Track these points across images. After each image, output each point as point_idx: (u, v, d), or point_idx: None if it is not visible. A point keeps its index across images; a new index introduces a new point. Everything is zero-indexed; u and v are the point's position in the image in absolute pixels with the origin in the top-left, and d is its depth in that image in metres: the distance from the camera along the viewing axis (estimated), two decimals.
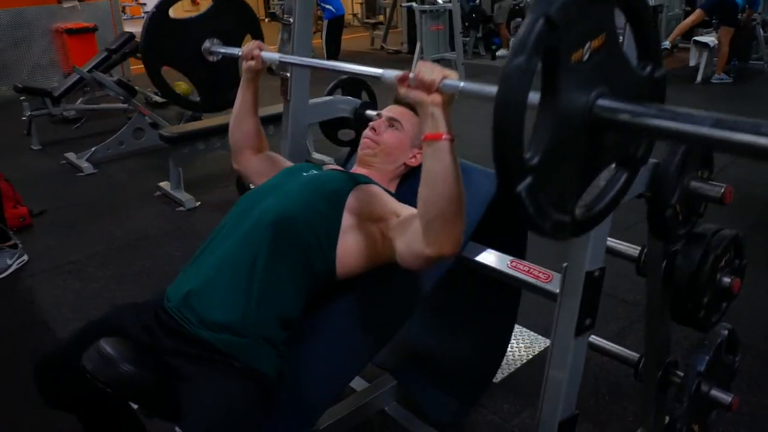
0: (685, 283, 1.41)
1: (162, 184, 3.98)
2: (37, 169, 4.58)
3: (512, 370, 2.11)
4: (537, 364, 2.16)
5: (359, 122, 2.10)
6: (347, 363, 1.34)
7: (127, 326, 1.29)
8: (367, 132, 1.55)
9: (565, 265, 1.25)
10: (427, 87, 1.07)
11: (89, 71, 5.09)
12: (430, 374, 1.69)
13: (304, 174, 1.47)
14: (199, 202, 3.76)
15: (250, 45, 1.59)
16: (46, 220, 3.60)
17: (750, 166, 3.60)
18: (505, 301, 1.68)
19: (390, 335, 1.38)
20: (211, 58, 1.86)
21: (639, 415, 1.82)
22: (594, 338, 1.85)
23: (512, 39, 8.59)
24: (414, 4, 7.05)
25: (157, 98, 5.94)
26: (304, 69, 1.90)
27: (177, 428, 1.25)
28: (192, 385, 1.16)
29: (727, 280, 1.43)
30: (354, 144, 2.17)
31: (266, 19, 10.52)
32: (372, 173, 1.51)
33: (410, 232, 1.21)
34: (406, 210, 1.33)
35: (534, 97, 0.76)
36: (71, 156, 4.66)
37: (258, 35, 1.93)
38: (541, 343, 2.27)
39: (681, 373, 1.69)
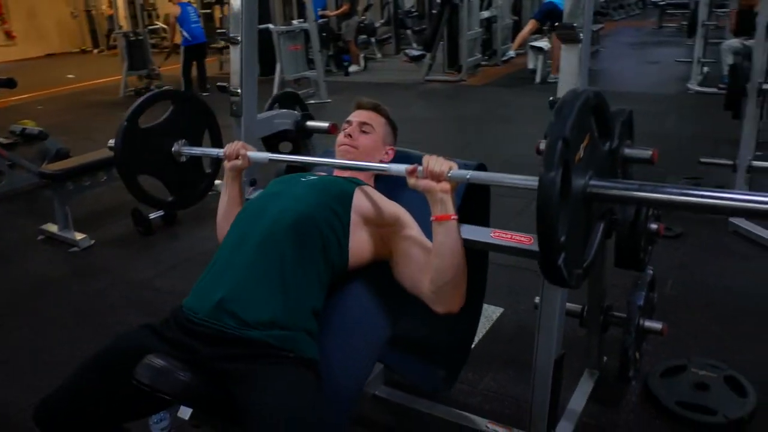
0: (627, 232, 1.70)
1: (45, 226, 3.72)
2: None
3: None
4: (492, 335, 2.40)
5: (301, 133, 2.22)
6: (370, 344, 1.45)
7: (150, 346, 1.31)
8: (342, 138, 1.67)
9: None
10: (436, 177, 1.29)
11: None
12: (414, 351, 1.83)
13: (303, 180, 1.56)
14: (94, 240, 3.58)
15: (233, 145, 1.67)
16: None
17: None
18: (473, 272, 1.88)
19: (399, 312, 1.51)
20: (181, 159, 1.93)
21: (583, 360, 2.10)
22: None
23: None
24: (271, 26, 7.15)
25: (2, 139, 5.46)
26: (252, 90, 2.00)
27: None
28: (252, 382, 1.21)
29: (654, 226, 1.75)
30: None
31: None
32: (354, 174, 1.64)
33: (414, 272, 1.41)
34: (405, 216, 1.48)
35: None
36: None
37: (216, 129, 2.05)
38: (492, 314, 2.51)
39: (619, 314, 2.01)
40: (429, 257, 1.39)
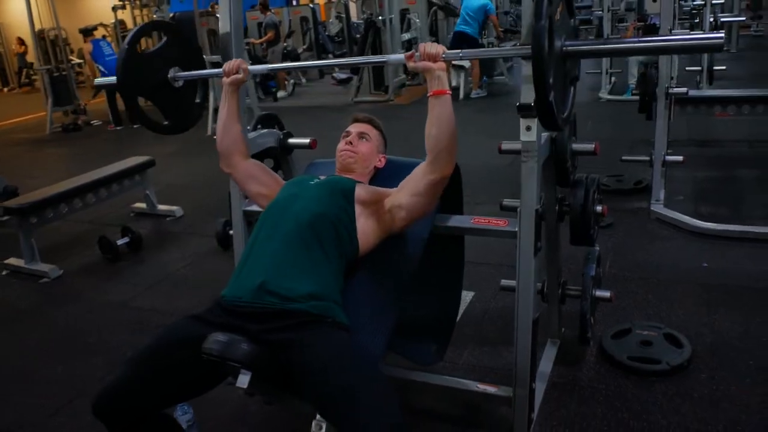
0: (578, 213, 2.04)
1: (8, 261, 3.75)
2: None
3: None
4: (465, 317, 2.68)
5: (283, 150, 2.45)
6: (384, 316, 1.71)
7: (201, 332, 1.51)
8: (344, 146, 1.93)
9: (519, 209, 1.79)
10: (433, 57, 1.57)
11: None
12: (409, 332, 2.09)
13: (311, 183, 1.82)
14: (62, 270, 3.63)
15: (232, 62, 1.88)
16: None
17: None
18: (453, 256, 2.16)
19: (403, 288, 1.78)
20: (176, 84, 2.07)
21: (544, 332, 2.41)
22: (504, 281, 2.44)
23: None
24: (205, 57, 7.27)
25: None
26: (243, 111, 2.21)
27: None
28: (302, 344, 1.44)
29: (599, 207, 2.10)
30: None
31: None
32: (354, 177, 1.90)
33: (408, 187, 1.69)
34: (389, 191, 1.77)
35: None
36: None
37: (201, 61, 2.20)
38: (465, 297, 2.80)
39: (573, 288, 2.34)
40: (409, 178, 1.71)
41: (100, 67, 8.33)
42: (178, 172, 5.78)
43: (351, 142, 1.93)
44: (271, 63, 9.85)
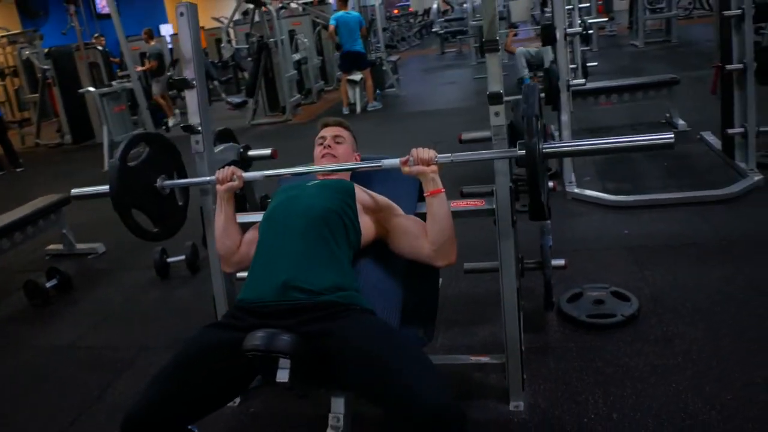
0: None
1: None
2: None
3: None
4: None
5: (244, 162, 2.49)
6: (392, 300, 1.83)
7: (228, 337, 1.55)
8: (322, 150, 2.01)
9: (494, 188, 1.98)
10: (427, 162, 1.74)
11: None
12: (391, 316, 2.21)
13: (309, 185, 1.90)
14: None
15: (225, 170, 1.92)
16: None
17: None
18: None
19: (401, 272, 1.91)
20: (165, 192, 2.13)
21: None
22: (468, 264, 2.62)
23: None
24: (91, 89, 6.98)
25: None
26: (208, 128, 2.23)
27: None
28: (338, 332, 1.50)
29: (550, 184, 2.33)
30: None
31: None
32: (338, 176, 2.00)
33: (412, 241, 1.82)
34: (391, 202, 1.91)
35: None
36: None
37: (182, 166, 2.25)
38: None
39: (530, 261, 2.56)
40: (418, 227, 1.82)
41: None
42: (86, 211, 5.48)
43: (329, 146, 2.02)
44: (156, 93, 9.62)
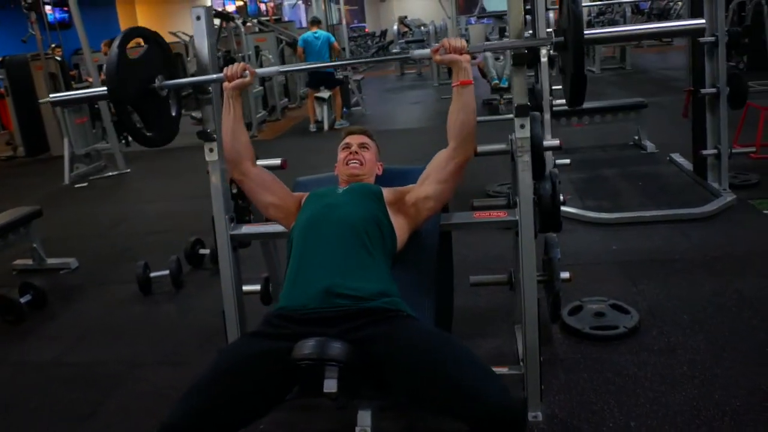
0: (549, 203, 2.30)
1: None
2: None
3: None
4: None
5: None
6: (427, 306, 1.85)
7: (266, 349, 1.52)
8: (349, 157, 2.01)
9: (518, 199, 2.00)
10: (459, 50, 1.74)
11: None
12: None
13: (338, 192, 1.89)
14: None
15: (235, 66, 1.85)
16: None
17: None
18: (446, 250, 2.30)
19: (429, 278, 1.93)
20: (162, 93, 1.99)
21: (507, 319, 2.64)
22: (474, 278, 2.64)
23: None
24: (55, 97, 6.72)
25: None
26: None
27: None
28: (387, 336, 1.49)
29: (561, 197, 2.38)
30: None
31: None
32: (364, 180, 1.99)
33: (432, 177, 1.84)
34: (409, 188, 1.92)
35: None
36: None
37: (176, 68, 2.13)
38: None
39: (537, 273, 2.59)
40: (429, 170, 1.87)
41: None
42: (51, 225, 5.27)
43: (357, 152, 2.02)
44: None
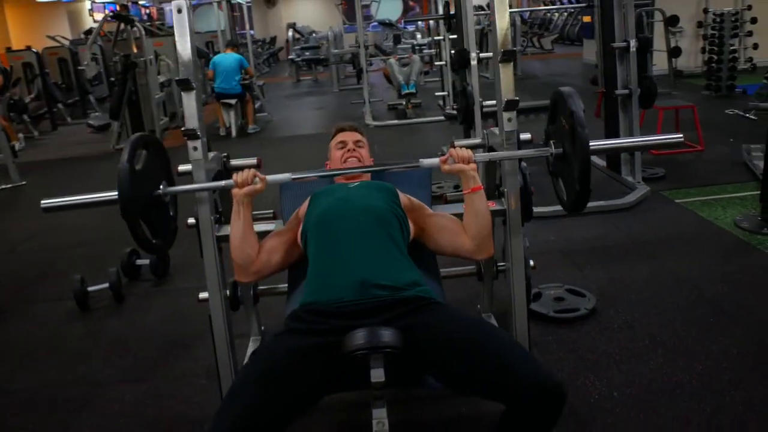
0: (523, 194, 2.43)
1: None
2: None
3: None
4: None
5: (227, 171, 2.39)
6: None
7: (305, 345, 1.51)
8: (346, 154, 2.03)
9: (505, 190, 2.11)
10: (466, 161, 1.80)
11: None
12: None
13: (350, 186, 1.89)
14: None
15: (245, 173, 1.80)
16: None
17: None
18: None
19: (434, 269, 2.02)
20: (165, 200, 1.96)
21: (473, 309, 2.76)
22: (442, 270, 2.72)
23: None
24: None
25: None
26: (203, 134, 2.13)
27: None
28: (426, 324, 1.53)
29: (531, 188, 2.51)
30: None
31: None
32: (361, 178, 2.01)
33: (453, 237, 1.87)
34: (425, 206, 1.98)
35: None
36: None
37: (171, 172, 2.09)
38: None
39: (502, 264, 2.73)
40: (455, 224, 1.89)
41: None
42: None
43: (353, 149, 2.04)
44: None
